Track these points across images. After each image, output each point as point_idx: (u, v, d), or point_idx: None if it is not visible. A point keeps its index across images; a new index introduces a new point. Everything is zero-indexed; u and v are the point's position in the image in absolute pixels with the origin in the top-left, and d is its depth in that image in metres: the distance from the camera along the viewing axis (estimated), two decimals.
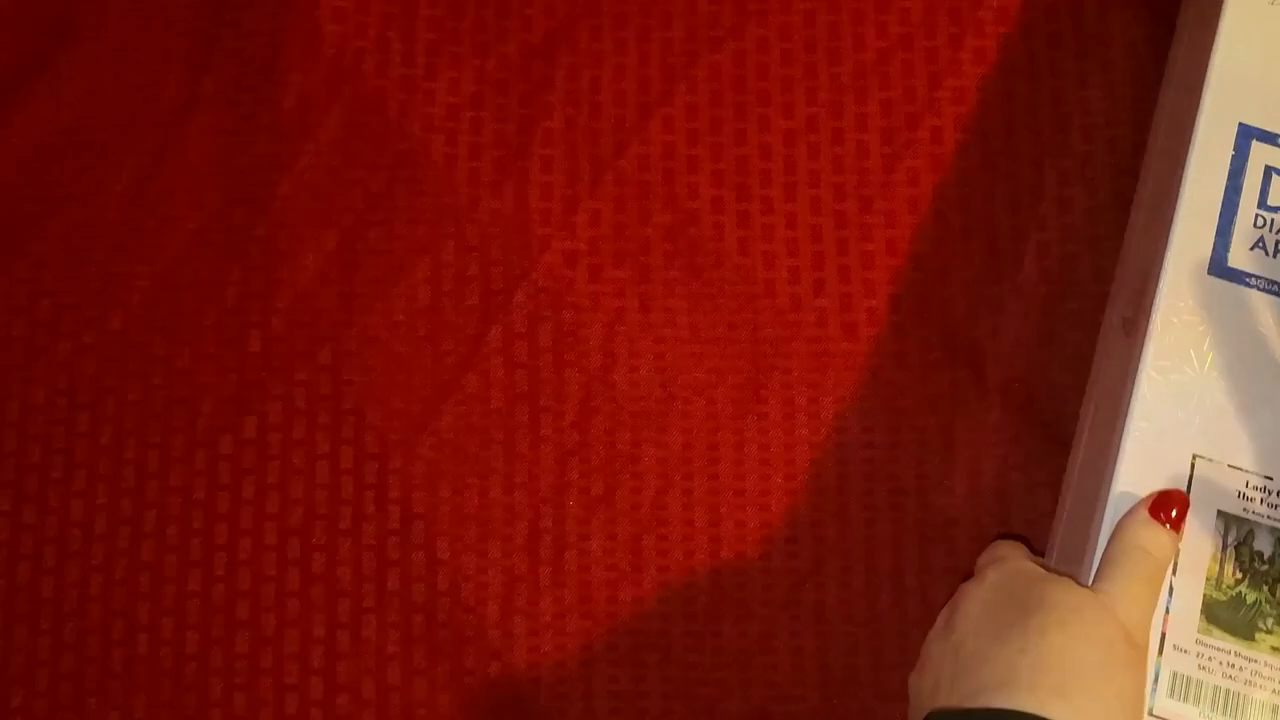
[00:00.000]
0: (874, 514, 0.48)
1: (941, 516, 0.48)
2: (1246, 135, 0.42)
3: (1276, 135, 0.42)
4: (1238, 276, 0.40)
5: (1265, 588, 0.38)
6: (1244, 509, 0.39)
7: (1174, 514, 0.38)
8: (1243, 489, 0.39)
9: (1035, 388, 0.48)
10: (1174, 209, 0.41)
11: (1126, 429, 0.39)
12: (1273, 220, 0.41)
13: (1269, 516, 0.39)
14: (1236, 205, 0.41)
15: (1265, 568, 0.38)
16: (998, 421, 0.48)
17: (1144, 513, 0.38)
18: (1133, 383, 0.40)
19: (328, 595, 0.48)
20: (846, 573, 0.48)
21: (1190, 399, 0.40)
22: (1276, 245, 0.41)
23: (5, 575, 0.49)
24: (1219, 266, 0.40)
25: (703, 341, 0.50)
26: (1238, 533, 0.39)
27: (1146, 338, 0.40)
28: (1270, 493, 0.39)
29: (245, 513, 0.49)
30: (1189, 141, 0.42)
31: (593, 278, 0.51)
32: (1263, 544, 0.39)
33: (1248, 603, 0.38)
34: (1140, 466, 0.39)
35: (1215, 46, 0.43)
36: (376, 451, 0.49)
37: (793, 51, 0.52)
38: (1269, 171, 0.41)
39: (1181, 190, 0.41)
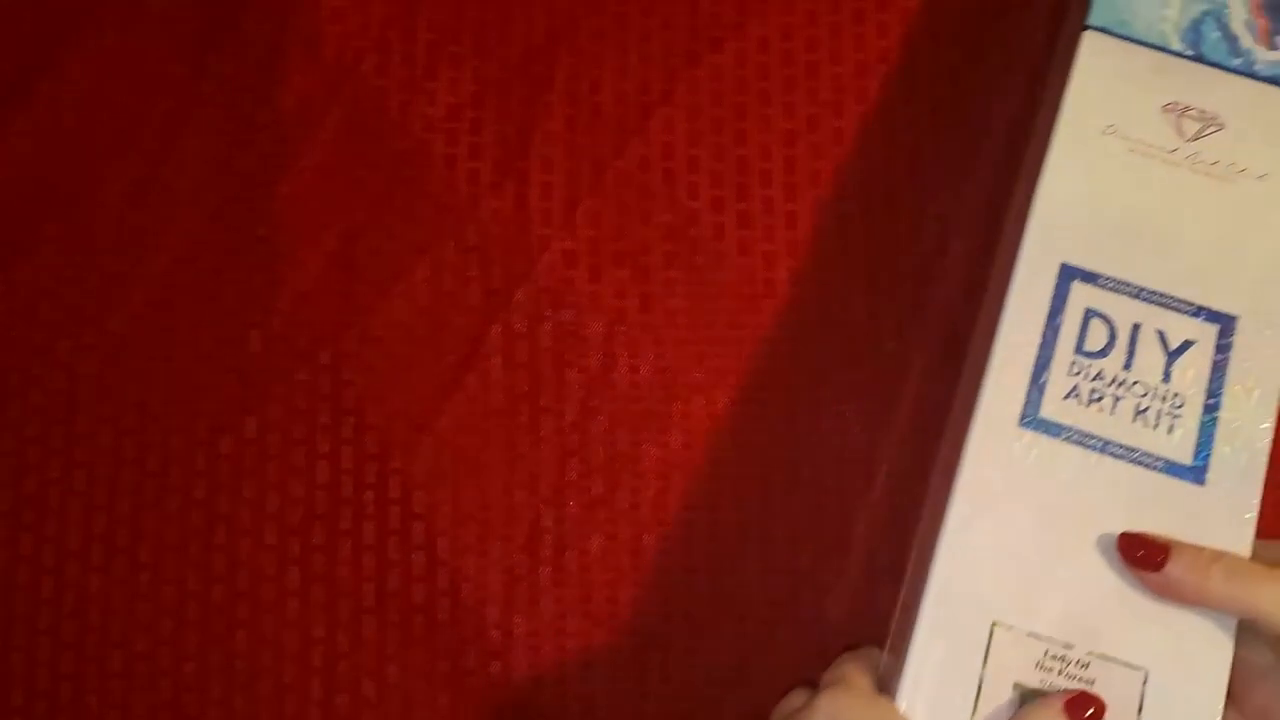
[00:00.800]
0: (874, 514, 0.48)
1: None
2: (1068, 276, 0.40)
3: (1099, 275, 0.40)
4: (1050, 428, 0.38)
5: None
6: (1041, 680, 0.36)
7: (1090, 713, 0.36)
8: (1041, 659, 0.37)
9: None
10: (989, 354, 0.39)
11: (926, 591, 0.37)
12: (1089, 368, 0.39)
13: (1065, 690, 0.36)
14: (1053, 351, 0.39)
15: None
16: None
17: (1059, 705, 0.36)
18: (936, 539, 0.38)
19: (327, 595, 0.48)
20: (847, 572, 0.48)
21: (992, 558, 0.37)
22: (1091, 394, 0.39)
23: (4, 575, 0.49)
24: (1031, 417, 0.38)
25: (703, 342, 0.50)
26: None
27: (953, 491, 0.38)
28: (1068, 662, 0.36)
29: (245, 513, 0.49)
30: (1009, 281, 0.40)
31: (593, 278, 0.51)
32: None
33: None
34: (937, 631, 0.37)
35: (1041, 179, 0.41)
36: (376, 452, 0.49)
37: (794, 51, 0.52)
38: (1089, 314, 0.40)
39: (997, 334, 0.39)
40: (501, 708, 0.47)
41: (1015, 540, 0.38)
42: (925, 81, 0.52)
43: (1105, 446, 0.38)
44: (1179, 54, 0.43)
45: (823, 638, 0.47)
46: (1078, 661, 0.37)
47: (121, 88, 0.54)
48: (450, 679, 0.48)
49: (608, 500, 0.49)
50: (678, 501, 0.48)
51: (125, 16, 0.54)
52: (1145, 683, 0.36)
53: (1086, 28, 0.43)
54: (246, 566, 0.49)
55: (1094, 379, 0.39)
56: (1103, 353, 0.39)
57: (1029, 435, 0.38)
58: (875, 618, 0.47)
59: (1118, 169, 0.41)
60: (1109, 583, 0.37)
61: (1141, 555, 0.36)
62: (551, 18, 0.53)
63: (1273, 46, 0.43)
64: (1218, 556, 0.36)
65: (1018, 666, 0.37)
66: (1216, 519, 0.38)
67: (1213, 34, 0.43)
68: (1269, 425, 0.39)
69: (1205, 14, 0.44)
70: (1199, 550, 0.36)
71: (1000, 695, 0.36)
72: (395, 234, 0.51)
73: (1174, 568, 0.36)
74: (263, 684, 0.48)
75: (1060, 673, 0.36)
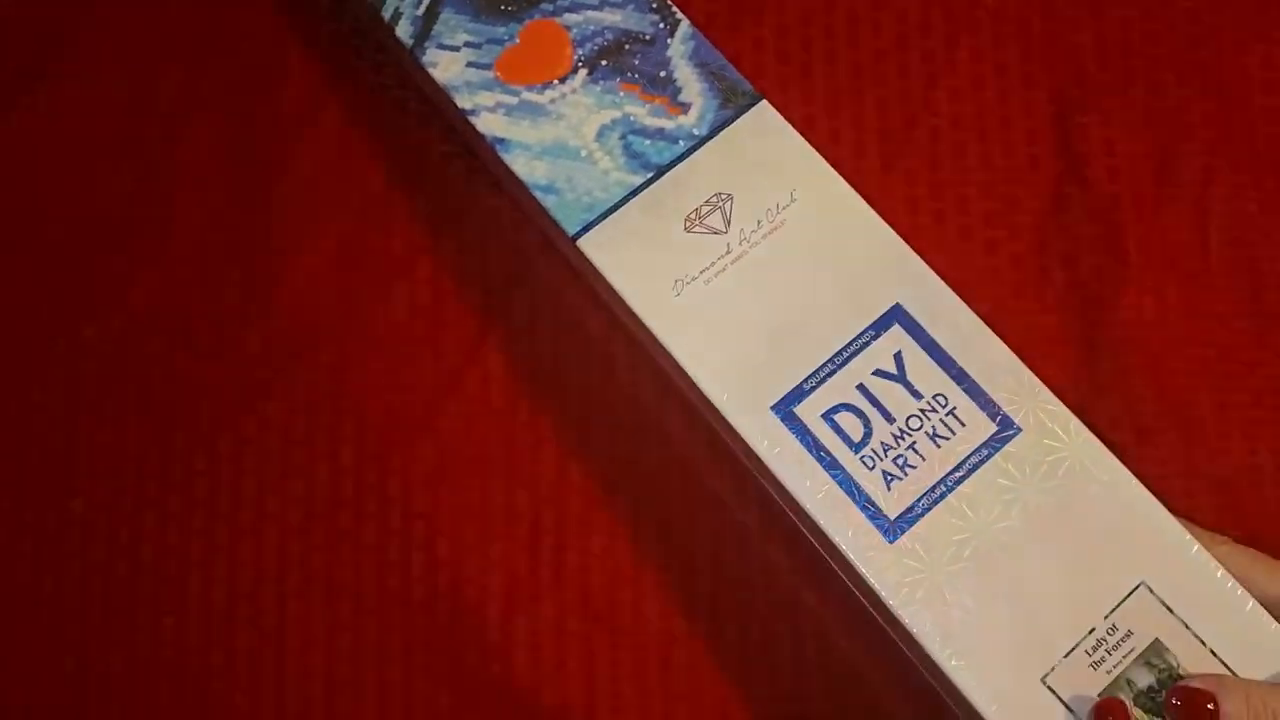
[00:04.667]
0: None
1: None
2: (784, 410, 0.40)
3: (799, 386, 0.41)
4: (908, 520, 0.39)
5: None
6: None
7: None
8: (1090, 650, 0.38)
9: None
10: (820, 533, 0.40)
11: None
12: (876, 450, 0.40)
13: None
14: (847, 472, 0.40)
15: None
16: None
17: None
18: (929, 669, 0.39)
19: (328, 595, 0.48)
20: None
21: (974, 632, 0.38)
22: (898, 462, 0.39)
23: (5, 575, 0.49)
24: (894, 527, 0.39)
25: None
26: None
27: (908, 633, 0.39)
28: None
29: (245, 513, 0.49)
30: (763, 468, 0.41)
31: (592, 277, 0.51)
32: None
33: None
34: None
35: (683, 368, 0.41)
36: (377, 451, 0.49)
37: (789, 51, 0.53)
38: (828, 419, 0.40)
39: (803, 511, 0.40)
40: (501, 708, 0.47)
41: (985, 602, 0.38)
42: None
43: (950, 478, 0.39)
44: (646, 184, 0.43)
45: (825, 636, 0.47)
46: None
47: (122, 87, 0.54)
48: (450, 679, 0.47)
49: (608, 500, 0.49)
50: (679, 499, 0.48)
51: (125, 18, 0.54)
52: None
53: (574, 240, 0.43)
54: (247, 567, 0.49)
55: (886, 453, 0.40)
56: (868, 434, 0.40)
57: (905, 538, 0.39)
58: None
59: (714, 307, 0.42)
60: (1073, 563, 0.38)
61: (1191, 708, 0.36)
62: None
63: (685, 109, 0.44)
64: (1257, 685, 0.36)
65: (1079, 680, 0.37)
66: (1054, 437, 0.39)
67: (645, 145, 0.44)
68: (997, 340, 0.41)
69: (624, 137, 0.44)
70: (1241, 684, 0.36)
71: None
72: (395, 233, 0.51)
73: (1227, 704, 0.36)
74: (263, 685, 0.48)
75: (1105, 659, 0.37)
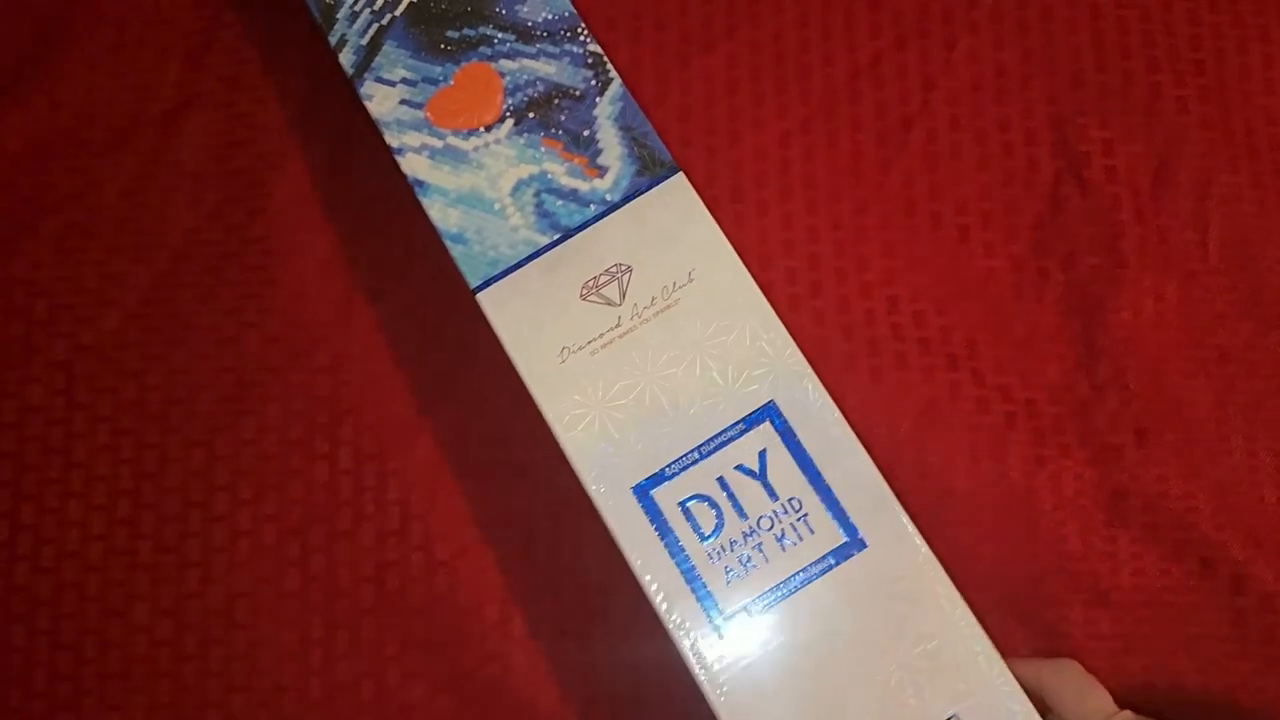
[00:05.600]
0: None
1: (944, 513, 0.48)
2: (643, 493, 0.40)
3: (660, 472, 0.40)
4: (746, 611, 0.39)
5: None
6: None
7: None
8: None
9: (1033, 391, 0.49)
10: (652, 606, 0.40)
11: None
12: (723, 546, 0.40)
13: None
14: (690, 561, 0.40)
15: None
16: (994, 421, 0.48)
17: None
18: None
19: (326, 596, 0.48)
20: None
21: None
22: (743, 561, 0.39)
23: (3, 575, 0.49)
24: (725, 617, 0.39)
25: None
26: None
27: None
28: None
29: (243, 513, 0.49)
30: (612, 537, 0.41)
31: None
32: None
33: None
34: None
35: (556, 435, 0.41)
36: (375, 452, 0.49)
37: (786, 53, 0.53)
38: (683, 507, 0.40)
39: (642, 587, 0.40)
40: (501, 708, 0.47)
41: (803, 706, 0.38)
42: None
43: (788, 585, 0.39)
44: (551, 245, 0.43)
45: None
46: None
47: (120, 87, 0.53)
48: (449, 680, 0.47)
49: None
50: None
51: (123, 17, 0.54)
52: None
53: (474, 293, 0.43)
54: (245, 567, 0.49)
55: (733, 550, 0.40)
56: (719, 526, 0.40)
57: (733, 627, 0.39)
58: None
59: (595, 378, 0.42)
60: (889, 686, 0.38)
61: None
62: None
63: (602, 172, 0.44)
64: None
65: None
66: (897, 558, 0.39)
67: (557, 205, 0.43)
68: (864, 454, 0.40)
69: (538, 194, 0.44)
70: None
71: None
72: (392, 235, 0.51)
73: None
74: (261, 685, 0.48)
75: None
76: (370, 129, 0.52)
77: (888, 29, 0.53)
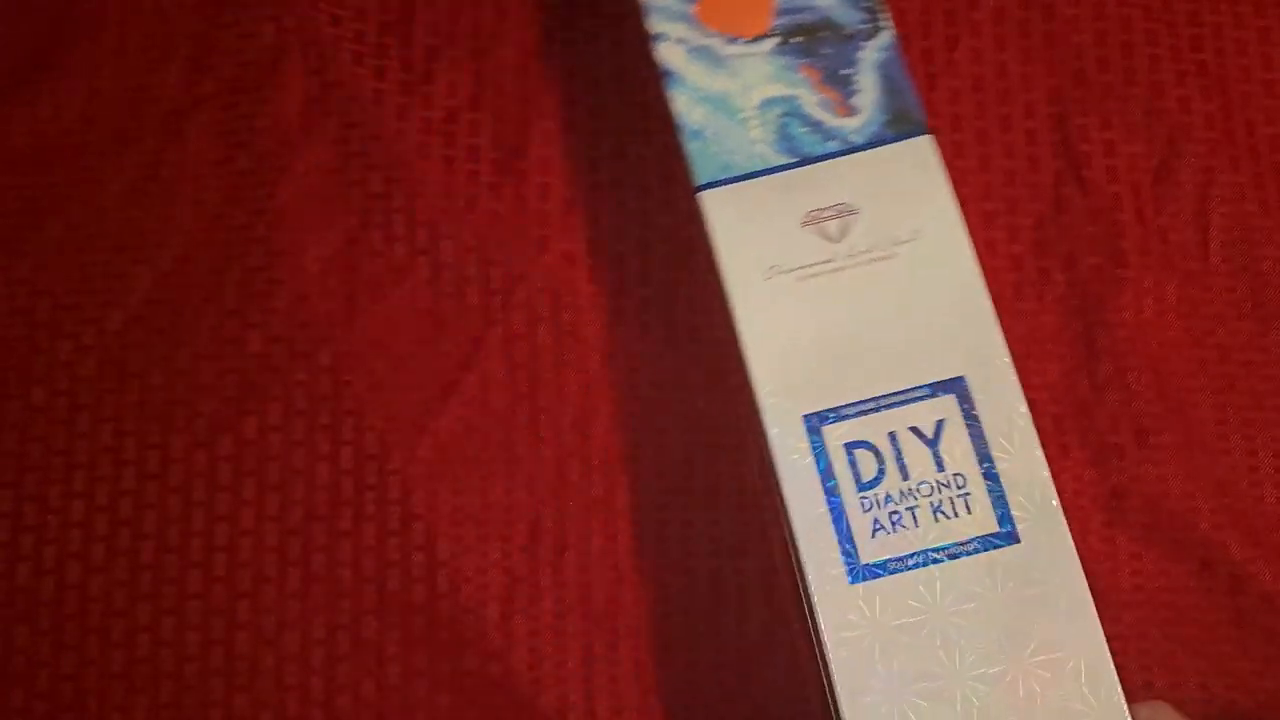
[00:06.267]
0: None
1: None
2: (813, 425, 0.40)
3: (838, 408, 0.40)
4: (876, 571, 0.39)
5: None
6: None
7: None
8: None
9: (1033, 391, 0.49)
10: (792, 536, 0.40)
11: None
12: (877, 496, 0.40)
13: None
14: (841, 502, 0.40)
15: None
16: None
17: None
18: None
19: (328, 596, 0.48)
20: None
21: (892, 702, 0.38)
22: (892, 519, 0.39)
23: (5, 576, 0.49)
24: (856, 571, 0.39)
25: (702, 341, 0.50)
26: None
27: (830, 675, 0.39)
28: None
29: (246, 514, 0.49)
30: (770, 455, 0.40)
31: (592, 278, 0.51)
32: None
33: None
34: None
35: (741, 346, 0.41)
36: (376, 452, 0.49)
37: None
38: (850, 449, 0.40)
39: (788, 513, 0.40)
40: (501, 708, 0.47)
41: (906, 681, 0.38)
42: None
43: (927, 557, 0.39)
44: (785, 167, 0.43)
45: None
46: None
47: (122, 87, 0.54)
48: (450, 680, 0.47)
49: (608, 500, 0.49)
50: (678, 501, 0.48)
51: (125, 17, 0.54)
52: None
53: (698, 190, 0.43)
54: (247, 567, 0.49)
55: (886, 505, 0.40)
56: (879, 478, 0.40)
57: (863, 588, 0.39)
58: None
59: (796, 304, 0.42)
60: (1000, 683, 0.38)
61: None
62: (548, 18, 0.54)
63: (853, 112, 0.44)
64: None
65: None
66: (1045, 562, 0.39)
67: (800, 131, 0.44)
68: (1039, 453, 0.40)
69: (784, 116, 0.44)
70: None
71: None
72: (394, 235, 0.51)
73: None
74: (263, 685, 0.48)
75: None
76: (376, 129, 0.52)
77: None
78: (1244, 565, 0.46)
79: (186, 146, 0.53)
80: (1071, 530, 0.47)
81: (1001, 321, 0.48)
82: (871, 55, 0.44)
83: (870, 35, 0.45)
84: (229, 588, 0.49)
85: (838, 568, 0.39)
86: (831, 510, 0.39)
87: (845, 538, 0.39)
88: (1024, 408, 0.40)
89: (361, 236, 0.51)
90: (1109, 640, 0.45)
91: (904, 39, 0.52)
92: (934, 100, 0.52)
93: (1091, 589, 0.46)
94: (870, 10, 0.45)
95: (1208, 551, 0.47)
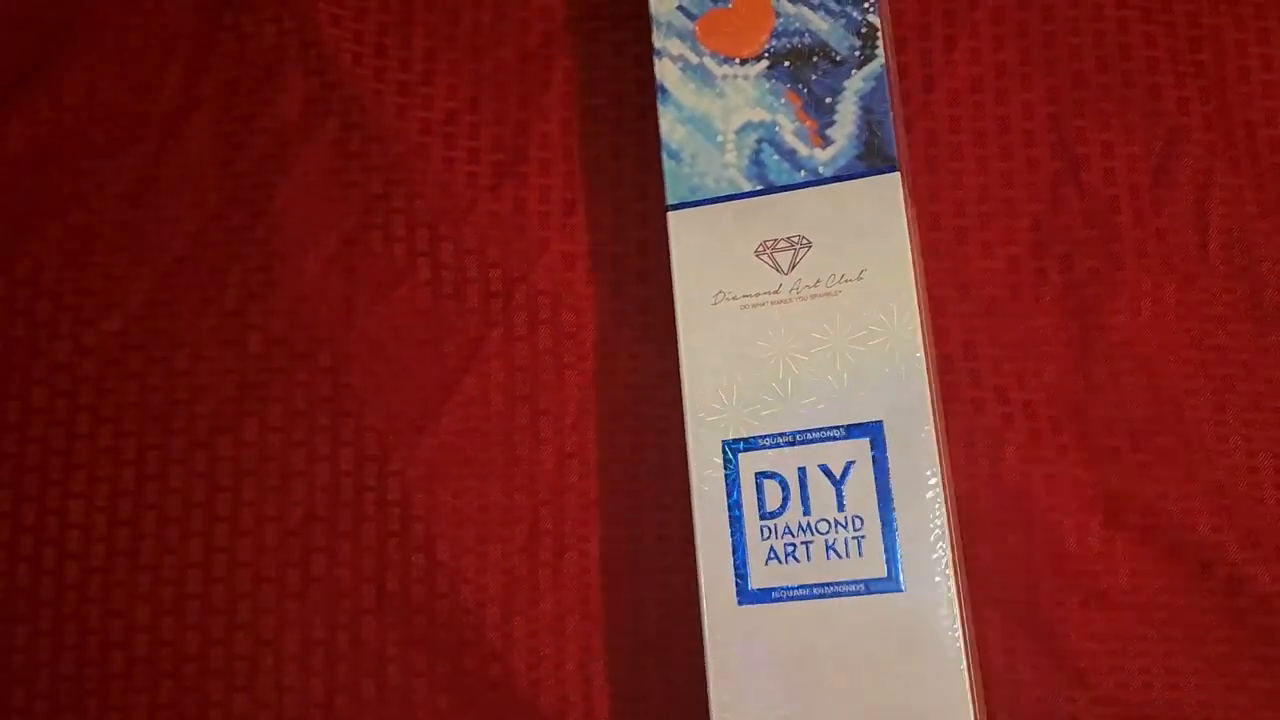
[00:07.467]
0: None
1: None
2: (732, 450, 0.42)
3: (756, 438, 0.42)
4: (763, 597, 0.41)
5: None
6: None
7: None
8: None
9: (1030, 393, 0.49)
10: (695, 550, 0.42)
11: None
12: (776, 527, 0.41)
13: None
14: (742, 526, 0.41)
15: None
16: (990, 423, 0.48)
17: None
18: None
19: (327, 597, 0.48)
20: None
21: None
22: (786, 550, 0.41)
23: (5, 576, 0.49)
24: (745, 593, 0.41)
25: None
26: None
27: (709, 679, 0.41)
28: None
29: (245, 514, 0.49)
30: (687, 467, 0.43)
31: (592, 280, 0.51)
32: None
33: None
34: None
35: (681, 365, 0.43)
36: (376, 453, 0.49)
37: None
38: (759, 479, 0.42)
39: (695, 524, 0.42)
40: (501, 708, 0.47)
41: (774, 705, 0.40)
42: None
43: (813, 591, 0.40)
44: (751, 194, 0.44)
45: None
46: None
47: (121, 88, 0.54)
48: (450, 680, 0.48)
49: (608, 500, 0.49)
50: (677, 502, 0.48)
51: (125, 18, 0.54)
52: None
53: (667, 210, 0.45)
54: (247, 568, 0.49)
55: (783, 535, 0.41)
56: (781, 509, 0.41)
57: (749, 611, 0.40)
58: None
59: (737, 331, 0.43)
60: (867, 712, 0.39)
61: None
62: (547, 20, 0.54)
63: (826, 143, 0.44)
64: None
65: None
66: (927, 616, 0.40)
67: (772, 158, 0.44)
68: (940, 510, 0.40)
69: (759, 142, 0.45)
70: None
71: None
72: (394, 236, 0.51)
73: None
74: (263, 685, 0.48)
75: None
76: (376, 130, 0.52)
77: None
78: (1242, 566, 0.46)
79: (186, 147, 0.53)
80: (1070, 531, 0.47)
81: (998, 323, 0.48)
82: (857, 84, 0.45)
83: (861, 63, 0.45)
84: (228, 588, 0.49)
85: (729, 588, 0.41)
86: (732, 533, 0.41)
87: (740, 560, 0.41)
88: (938, 468, 0.41)
89: (361, 238, 0.52)
90: (1109, 640, 0.45)
91: (902, 40, 0.52)
92: (932, 101, 0.52)
93: (1090, 589, 0.46)
94: (864, 36, 0.45)
95: (1206, 553, 0.47)
